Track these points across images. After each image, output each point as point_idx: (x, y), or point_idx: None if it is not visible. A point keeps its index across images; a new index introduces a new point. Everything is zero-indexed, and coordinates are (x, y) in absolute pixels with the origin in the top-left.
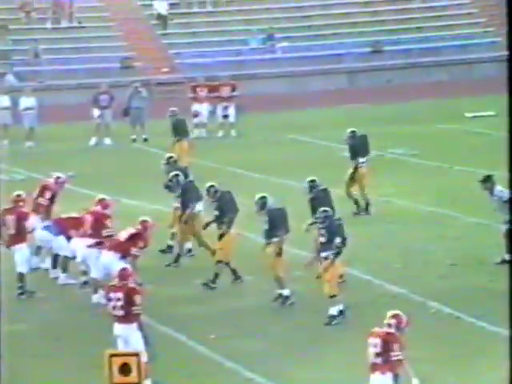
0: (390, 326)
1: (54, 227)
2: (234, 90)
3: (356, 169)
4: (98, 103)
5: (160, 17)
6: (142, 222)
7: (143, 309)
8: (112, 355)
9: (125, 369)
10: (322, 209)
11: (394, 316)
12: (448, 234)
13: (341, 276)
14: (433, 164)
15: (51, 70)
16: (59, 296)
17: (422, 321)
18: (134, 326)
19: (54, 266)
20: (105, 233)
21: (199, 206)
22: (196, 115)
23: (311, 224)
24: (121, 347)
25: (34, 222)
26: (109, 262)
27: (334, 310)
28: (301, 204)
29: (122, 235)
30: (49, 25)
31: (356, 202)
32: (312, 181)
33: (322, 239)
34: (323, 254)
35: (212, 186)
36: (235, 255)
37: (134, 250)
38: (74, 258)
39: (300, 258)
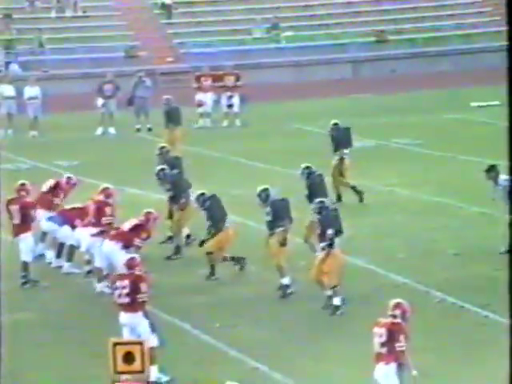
0: (395, 316)
1: (59, 218)
2: (238, 79)
3: (341, 160)
4: (102, 93)
5: (164, 6)
6: (146, 214)
7: (148, 298)
8: (116, 344)
9: (128, 357)
10: (318, 200)
11: (398, 305)
12: (452, 223)
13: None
14: (437, 154)
15: (55, 60)
16: (63, 285)
17: (426, 310)
18: (140, 314)
19: (58, 256)
20: (104, 220)
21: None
22: (200, 105)
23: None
24: (126, 336)
25: (39, 215)
26: (111, 251)
27: (337, 300)
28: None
29: (126, 226)
30: (53, 14)
31: (355, 189)
32: (307, 167)
33: (318, 230)
34: (320, 245)
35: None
36: (239, 244)
37: (137, 241)
38: (78, 247)
39: (303, 247)
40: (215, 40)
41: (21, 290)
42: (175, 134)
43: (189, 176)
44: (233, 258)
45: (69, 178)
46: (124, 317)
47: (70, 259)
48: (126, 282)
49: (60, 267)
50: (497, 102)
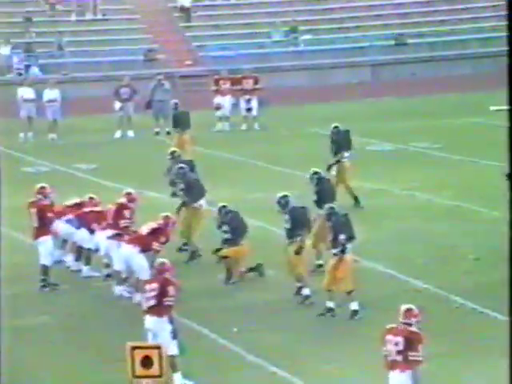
0: (410, 324)
1: (76, 220)
2: (256, 82)
3: (338, 162)
4: (119, 96)
5: (183, 9)
6: (165, 218)
7: (174, 302)
8: (134, 348)
9: (147, 362)
10: (328, 205)
11: (410, 312)
12: (472, 228)
13: (320, 265)
14: (456, 158)
15: (75, 63)
16: (82, 289)
17: (445, 316)
18: (165, 319)
19: (78, 259)
20: (122, 223)
21: (202, 202)
22: (219, 108)
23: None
24: (151, 341)
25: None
26: (129, 255)
27: (354, 305)
28: None
29: (144, 230)
30: (73, 17)
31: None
32: (316, 172)
33: (330, 236)
34: (333, 251)
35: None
36: (257, 248)
37: (155, 245)
38: (97, 250)
39: (323, 253)
40: (234, 43)
41: (40, 294)
42: (184, 138)
43: (207, 180)
44: (250, 269)
45: (128, 193)
46: (149, 320)
47: (88, 263)
48: (155, 285)
49: (79, 271)
50: None
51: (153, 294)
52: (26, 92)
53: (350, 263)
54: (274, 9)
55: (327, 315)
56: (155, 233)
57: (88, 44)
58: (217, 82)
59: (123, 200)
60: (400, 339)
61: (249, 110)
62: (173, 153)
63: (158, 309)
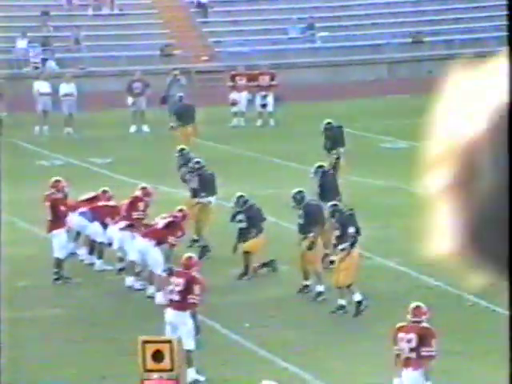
0: (420, 322)
1: (90, 214)
2: (273, 79)
3: (338, 159)
4: (131, 91)
5: (200, 5)
6: (180, 211)
7: (199, 301)
8: (145, 342)
9: (158, 356)
10: (331, 203)
11: (419, 309)
12: None
13: (331, 262)
14: None
15: (92, 57)
16: (95, 282)
17: (458, 314)
18: (187, 314)
19: (91, 252)
20: (135, 215)
21: (211, 198)
22: (234, 104)
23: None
24: (169, 334)
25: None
26: (144, 248)
27: (357, 296)
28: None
29: (159, 223)
30: (90, 11)
31: None
32: (321, 166)
33: (337, 232)
34: (340, 247)
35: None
36: (271, 244)
37: (171, 239)
38: (110, 244)
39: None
40: (250, 39)
41: (53, 287)
42: (188, 131)
43: (220, 175)
44: (263, 265)
45: (143, 187)
46: (170, 313)
47: (101, 256)
48: (181, 281)
49: (92, 264)
50: None
51: (177, 289)
52: (42, 86)
53: (355, 258)
54: (291, 5)
55: (339, 312)
56: (171, 227)
57: (104, 38)
58: (233, 77)
59: (138, 193)
60: (413, 336)
61: (264, 106)
62: (181, 150)
63: (181, 304)
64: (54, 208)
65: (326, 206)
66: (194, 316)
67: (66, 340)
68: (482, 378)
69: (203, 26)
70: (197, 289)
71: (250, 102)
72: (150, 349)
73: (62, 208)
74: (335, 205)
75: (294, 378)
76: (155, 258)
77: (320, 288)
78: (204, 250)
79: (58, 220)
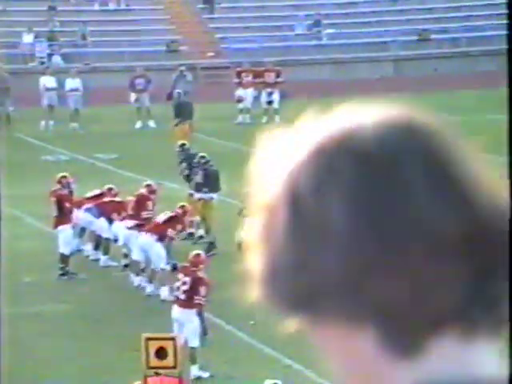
0: None
1: (96, 209)
2: (278, 75)
3: None
4: (134, 87)
5: (207, 1)
6: (181, 207)
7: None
8: (149, 339)
9: (161, 353)
10: None
11: None
12: None
13: None
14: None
15: (98, 52)
16: (100, 278)
17: None
18: (193, 311)
19: (96, 248)
20: (144, 214)
21: (214, 195)
22: (240, 100)
23: None
24: (176, 331)
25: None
26: (146, 243)
27: None
28: None
29: (160, 218)
30: (96, 7)
31: None
32: None
33: None
34: None
35: None
36: None
37: (170, 232)
38: (115, 240)
39: None
40: (257, 36)
41: (58, 282)
42: (186, 128)
43: (225, 172)
44: None
45: (148, 185)
46: (176, 311)
47: (106, 252)
48: (187, 279)
49: (98, 260)
50: None
51: (184, 287)
52: (48, 81)
53: None
54: (298, 2)
55: None
56: (171, 221)
57: (111, 34)
58: (239, 74)
59: (143, 191)
60: None
61: (270, 102)
62: (182, 145)
63: (187, 302)
64: (59, 204)
65: None
66: (200, 316)
67: (71, 335)
68: None
69: (209, 22)
70: (202, 290)
71: (256, 98)
72: (154, 346)
73: (68, 204)
74: None
75: (298, 375)
76: (158, 252)
77: None
78: (211, 247)
79: (63, 216)
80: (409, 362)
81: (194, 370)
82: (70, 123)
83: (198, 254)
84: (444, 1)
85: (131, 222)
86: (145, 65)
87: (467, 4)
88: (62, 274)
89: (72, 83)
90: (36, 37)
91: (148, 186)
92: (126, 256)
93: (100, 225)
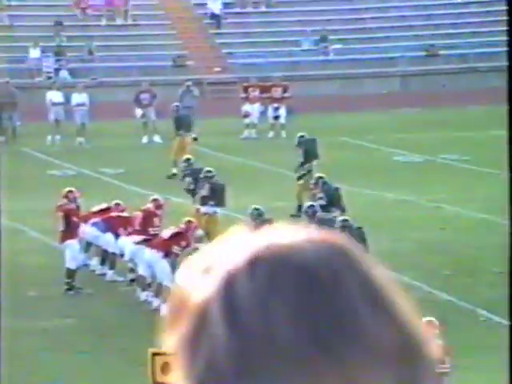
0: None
1: (103, 224)
2: (285, 91)
3: (310, 172)
4: (139, 102)
5: (214, 16)
6: (187, 222)
7: None
8: (155, 354)
9: (167, 368)
10: (342, 218)
11: (430, 324)
12: (498, 241)
13: None
14: (485, 170)
15: (104, 67)
16: (106, 293)
17: (471, 329)
18: None
19: (103, 263)
20: (151, 231)
21: (218, 209)
22: (246, 116)
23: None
24: None
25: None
26: (152, 259)
27: None
28: (350, 208)
29: (165, 234)
30: (103, 22)
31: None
32: (321, 177)
33: None
34: None
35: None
36: None
37: (175, 248)
38: (122, 255)
39: None
40: (264, 51)
41: (64, 297)
42: (185, 141)
43: (231, 186)
44: None
45: (155, 199)
46: None
47: (112, 267)
48: None
49: (104, 274)
50: None
51: None
52: (54, 95)
53: None
54: (305, 17)
55: None
56: (176, 237)
57: (117, 49)
58: (246, 89)
59: (150, 206)
60: None
61: (276, 117)
62: (187, 160)
63: None
64: (66, 218)
65: (337, 222)
66: None
67: (77, 350)
68: None
69: (216, 37)
70: None
71: (263, 113)
72: (160, 361)
73: (75, 218)
74: (345, 220)
75: None
76: (163, 269)
77: None
78: None
79: (70, 230)
80: None
81: None
82: (76, 138)
83: None
84: (452, 16)
85: (138, 237)
86: (151, 79)
87: (475, 20)
88: (68, 289)
89: (79, 98)
90: (43, 52)
91: (155, 200)
92: (132, 271)
93: (106, 239)
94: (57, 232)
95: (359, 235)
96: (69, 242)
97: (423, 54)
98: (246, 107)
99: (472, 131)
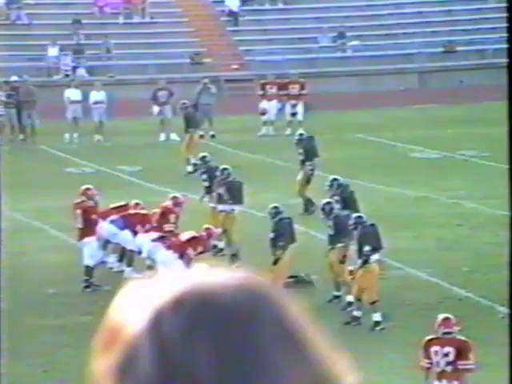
0: (451, 333)
1: (121, 221)
2: (303, 87)
3: (312, 171)
4: (156, 100)
5: (231, 13)
6: (207, 229)
7: None
8: None
9: None
10: (356, 215)
11: (449, 321)
12: None
13: (351, 272)
14: (504, 167)
15: (122, 65)
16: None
17: (490, 326)
18: None
19: (121, 260)
20: (166, 227)
21: (235, 207)
22: (264, 113)
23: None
24: None
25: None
26: (166, 260)
27: (377, 316)
28: (368, 205)
29: (184, 236)
30: (121, 20)
31: (310, 201)
32: (336, 179)
33: (356, 245)
34: (358, 262)
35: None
36: (300, 253)
37: (191, 252)
38: (139, 252)
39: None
40: (281, 48)
41: (83, 294)
42: (194, 139)
43: (249, 184)
44: (297, 282)
45: (174, 197)
46: None
47: (130, 264)
48: None
49: (122, 272)
50: None
51: None
52: (72, 93)
53: (375, 273)
54: (322, 14)
55: (352, 324)
56: (194, 241)
57: (135, 47)
58: (263, 86)
59: (169, 204)
60: (450, 349)
61: (294, 114)
62: (203, 157)
63: None
64: (85, 216)
65: (350, 220)
66: None
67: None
68: None
69: (234, 34)
70: None
71: (280, 110)
72: None
73: (94, 216)
74: (360, 217)
75: None
76: (177, 269)
77: (350, 298)
78: (234, 259)
79: (89, 228)
80: None
81: None
82: (94, 135)
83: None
84: (469, 12)
85: (155, 234)
86: (169, 77)
87: (494, 16)
88: (87, 286)
89: (96, 96)
90: (61, 50)
91: (174, 197)
92: (149, 268)
93: (124, 237)
94: (75, 230)
95: (373, 232)
96: (87, 239)
97: (441, 50)
98: (264, 104)
99: (491, 127)
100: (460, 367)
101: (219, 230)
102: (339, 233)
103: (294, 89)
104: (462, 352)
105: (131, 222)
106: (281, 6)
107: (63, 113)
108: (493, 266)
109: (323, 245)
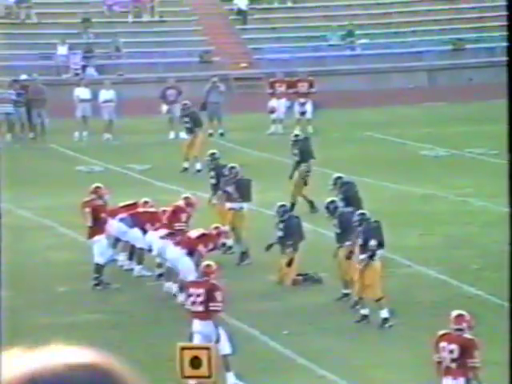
0: (461, 330)
1: (130, 220)
2: (312, 86)
3: (308, 172)
4: (165, 98)
5: (240, 12)
6: (216, 228)
7: (222, 308)
8: (183, 348)
9: (196, 362)
10: (359, 212)
11: (461, 317)
12: None
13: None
14: None
15: (131, 64)
16: (134, 288)
17: (499, 324)
18: (212, 322)
19: (130, 258)
20: (177, 226)
21: (244, 205)
22: (272, 111)
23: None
24: (198, 343)
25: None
26: (175, 256)
27: (384, 313)
28: (377, 203)
29: (194, 233)
30: (130, 18)
31: (311, 203)
32: (340, 177)
33: (359, 241)
34: (360, 257)
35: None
36: (309, 251)
37: (201, 248)
38: (150, 250)
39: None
40: (290, 46)
41: (93, 292)
42: (200, 137)
43: (258, 182)
44: (305, 279)
45: (187, 197)
46: (197, 324)
47: (140, 262)
48: (202, 291)
49: (131, 270)
50: None
51: (199, 299)
52: (82, 92)
53: (378, 270)
54: (331, 12)
55: (362, 322)
56: (204, 238)
57: (144, 45)
58: (272, 84)
59: (181, 203)
60: (455, 347)
61: (303, 113)
62: (212, 154)
63: (206, 314)
64: (95, 214)
65: (354, 216)
66: (216, 325)
67: (105, 345)
68: None
69: (242, 32)
70: (218, 296)
71: (289, 109)
72: (188, 355)
73: (103, 214)
74: (363, 213)
75: None
76: (187, 265)
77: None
78: (243, 256)
79: (98, 226)
80: None
81: (230, 378)
82: (103, 134)
83: (209, 265)
84: (478, 10)
85: (164, 232)
86: (178, 76)
87: (502, 13)
88: (97, 284)
89: (106, 94)
90: (70, 49)
91: (186, 198)
92: (159, 266)
93: (134, 235)
94: (84, 228)
95: (376, 229)
96: (97, 237)
97: (450, 47)
98: (273, 102)
99: (499, 125)
100: (465, 364)
101: (227, 228)
102: (345, 231)
103: (303, 87)
104: (466, 350)
105: (140, 220)
106: (289, 4)
107: (73, 111)
108: (501, 264)
109: (331, 242)
